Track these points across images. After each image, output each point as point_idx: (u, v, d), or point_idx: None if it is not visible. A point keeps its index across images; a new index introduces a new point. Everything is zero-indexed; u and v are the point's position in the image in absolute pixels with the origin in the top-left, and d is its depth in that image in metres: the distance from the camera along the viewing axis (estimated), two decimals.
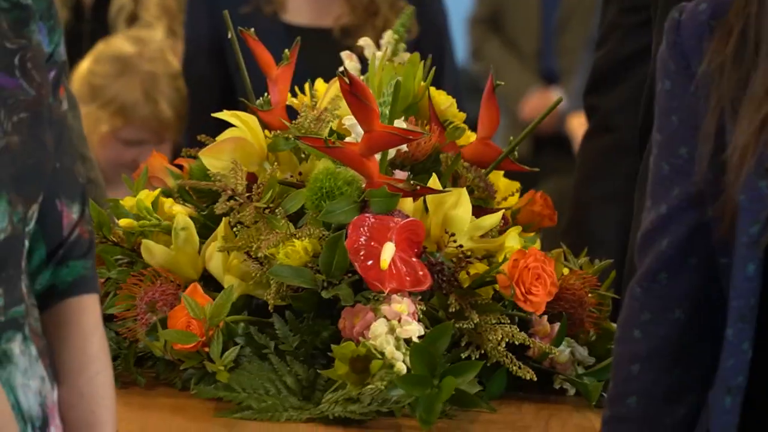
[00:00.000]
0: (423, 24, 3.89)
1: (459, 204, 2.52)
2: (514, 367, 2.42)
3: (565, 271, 2.60)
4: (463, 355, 2.44)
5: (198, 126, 3.17)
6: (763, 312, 1.92)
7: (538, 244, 2.66)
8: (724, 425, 1.94)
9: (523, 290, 2.45)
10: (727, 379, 1.93)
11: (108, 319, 2.47)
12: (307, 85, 2.82)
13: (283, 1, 3.91)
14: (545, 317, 2.54)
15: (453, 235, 2.49)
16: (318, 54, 2.95)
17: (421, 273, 2.43)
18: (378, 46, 3.19)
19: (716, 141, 1.95)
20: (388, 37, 2.82)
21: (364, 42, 2.85)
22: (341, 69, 2.66)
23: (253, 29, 3.05)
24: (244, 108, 2.80)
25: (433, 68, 2.84)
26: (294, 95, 2.82)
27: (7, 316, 2.03)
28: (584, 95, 3.65)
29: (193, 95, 3.99)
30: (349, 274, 2.45)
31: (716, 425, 1.96)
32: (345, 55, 2.85)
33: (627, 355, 2.07)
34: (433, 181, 2.54)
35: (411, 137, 2.55)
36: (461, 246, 2.50)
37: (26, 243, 2.06)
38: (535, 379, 2.44)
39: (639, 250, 2.07)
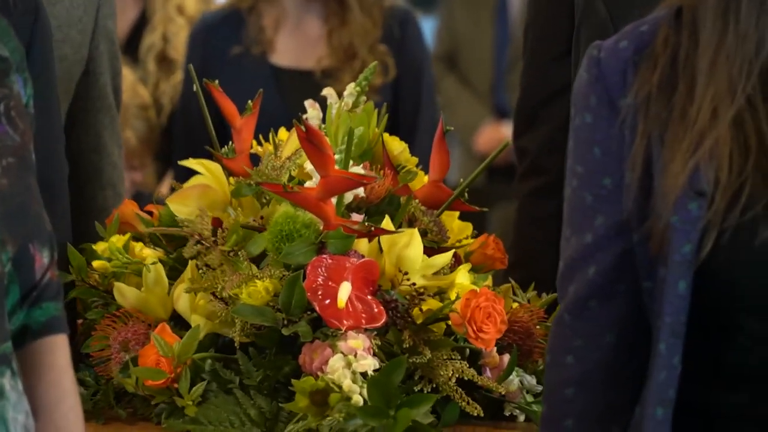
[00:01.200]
0: (403, 65, 3.93)
1: (411, 244, 2.54)
2: (464, 403, 2.46)
3: (515, 305, 2.62)
4: (416, 388, 2.46)
5: (182, 155, 3.15)
6: (693, 329, 1.94)
7: (489, 281, 2.69)
8: None
9: (474, 328, 2.47)
10: (660, 392, 1.94)
11: (85, 357, 2.53)
12: (271, 134, 2.84)
13: (270, 43, 3.92)
14: (495, 349, 2.55)
15: (406, 273, 2.52)
16: (299, 94, 2.93)
17: (376, 310, 2.46)
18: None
19: (643, 168, 1.97)
20: (349, 89, 2.81)
21: (327, 92, 2.85)
22: (303, 116, 2.72)
23: (237, 71, 3.11)
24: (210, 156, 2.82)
25: (386, 115, 2.84)
26: (265, 140, 2.86)
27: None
28: (513, 138, 3.58)
29: (184, 129, 3.96)
30: (308, 312, 2.46)
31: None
32: (308, 103, 2.86)
33: (561, 380, 2.08)
34: (386, 223, 2.57)
35: (365, 182, 2.57)
36: (414, 284, 2.52)
37: (5, 284, 2.07)
38: (483, 415, 2.47)
39: (563, 278, 2.09)
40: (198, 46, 4.08)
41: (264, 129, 2.87)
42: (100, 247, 2.66)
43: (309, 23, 3.94)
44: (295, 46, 3.91)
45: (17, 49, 2.18)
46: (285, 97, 2.83)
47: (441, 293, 2.56)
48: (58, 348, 2.19)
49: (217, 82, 3.43)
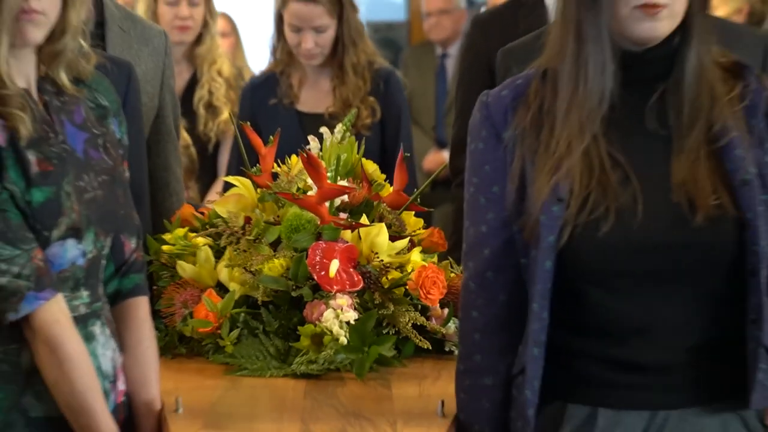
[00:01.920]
0: (387, 108, 3.84)
1: (380, 234, 2.56)
2: (417, 340, 2.47)
3: (452, 275, 2.61)
4: (384, 332, 2.47)
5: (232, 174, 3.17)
6: (556, 294, 1.96)
7: (435, 259, 2.66)
8: (535, 366, 1.96)
9: (424, 291, 2.50)
10: (534, 337, 1.95)
11: (157, 312, 2.55)
12: (286, 158, 2.83)
13: (296, 96, 3.86)
14: (438, 305, 2.55)
15: (377, 254, 2.55)
16: (314, 131, 2.92)
17: (356, 278, 2.48)
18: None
19: (520, 181, 1.98)
20: (338, 128, 2.82)
21: (323, 130, 2.84)
22: (307, 147, 2.74)
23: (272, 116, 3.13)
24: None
25: (363, 146, 2.84)
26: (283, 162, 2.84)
27: (91, 309, 2.07)
28: (449, 161, 3.53)
29: (236, 156, 3.90)
30: (310, 280, 2.47)
31: (530, 366, 1.97)
32: (310, 138, 2.85)
33: (470, 328, 2.08)
34: (363, 219, 2.60)
35: (348, 191, 2.60)
36: (382, 261, 2.55)
37: (103, 262, 2.10)
38: (430, 348, 2.48)
39: (466, 256, 2.09)
40: (247, 99, 4.03)
41: (291, 153, 2.85)
42: (168, 237, 2.66)
43: (321, 82, 3.89)
44: (312, 97, 3.86)
45: (114, 101, 2.19)
46: (304, 132, 2.83)
47: (401, 267, 2.56)
48: (140, 306, 2.21)
49: (255, 123, 3.51)
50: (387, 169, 2.91)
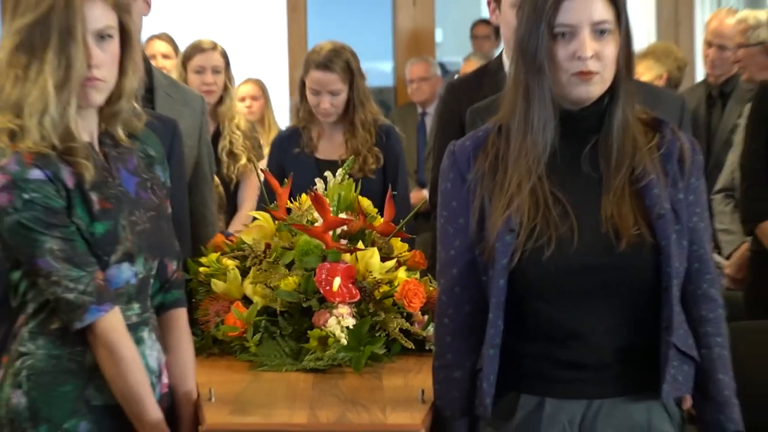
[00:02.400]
0: (387, 155, 3.81)
1: (373, 256, 2.55)
2: (403, 341, 2.45)
3: (430, 288, 2.57)
4: (376, 335, 2.44)
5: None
6: (509, 305, 1.96)
7: (417, 275, 2.64)
8: (491, 364, 1.95)
9: (408, 301, 2.48)
10: (490, 340, 1.95)
11: (195, 321, 2.53)
12: (297, 197, 2.79)
13: (315, 146, 3.82)
14: (420, 312, 2.53)
15: (370, 272, 2.53)
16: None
17: (354, 292, 2.46)
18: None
19: (480, 214, 1.98)
20: (339, 171, 2.81)
21: (327, 174, 2.84)
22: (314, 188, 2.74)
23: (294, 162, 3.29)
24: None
25: (359, 186, 2.83)
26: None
27: (141, 318, 2.07)
28: (429, 198, 3.57)
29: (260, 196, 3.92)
30: (317, 293, 2.45)
31: (486, 364, 1.97)
32: (317, 180, 2.83)
33: (443, 332, 2.07)
34: (359, 245, 2.57)
35: (346, 222, 2.59)
36: (375, 277, 2.52)
37: (151, 281, 2.09)
38: (414, 348, 2.46)
39: (438, 275, 2.09)
40: (276, 148, 3.98)
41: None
42: (204, 260, 2.65)
43: (335, 136, 3.85)
44: (327, 147, 3.81)
45: (160, 151, 2.18)
46: (321, 175, 2.82)
47: (390, 282, 2.54)
48: (180, 315, 2.19)
49: (282, 167, 3.62)
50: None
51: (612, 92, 1.98)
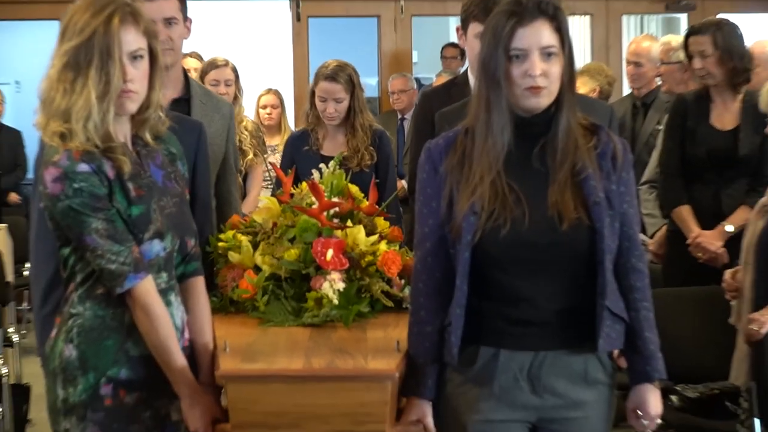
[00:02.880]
0: (380, 155, 3.77)
1: (359, 232, 2.47)
2: (384, 301, 2.39)
3: (407, 258, 2.50)
4: (362, 295, 2.38)
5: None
6: (472, 273, 1.94)
7: (396, 247, 2.56)
8: (457, 321, 1.95)
9: (387, 268, 2.42)
10: (457, 301, 1.95)
11: (215, 285, 2.47)
12: (300, 184, 2.72)
13: (321, 144, 3.79)
14: (397, 277, 2.46)
15: (357, 245, 2.45)
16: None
17: (344, 261, 2.38)
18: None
19: (449, 199, 1.96)
20: (331, 164, 2.75)
21: (322, 166, 2.78)
22: (311, 178, 2.67)
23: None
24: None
25: (350, 175, 2.76)
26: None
27: (168, 285, 2.04)
28: (408, 184, 3.50)
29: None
30: (314, 263, 2.38)
31: (454, 321, 1.96)
32: (313, 171, 2.77)
33: (417, 294, 2.05)
34: (348, 223, 2.51)
35: (338, 205, 2.52)
36: (361, 249, 2.45)
37: (175, 254, 2.09)
38: (393, 306, 2.39)
39: (415, 247, 2.07)
40: (289, 146, 3.93)
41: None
42: (222, 236, 2.56)
43: (338, 136, 3.81)
44: (331, 146, 3.76)
45: (179, 149, 2.15)
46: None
47: (373, 253, 2.46)
48: (198, 282, 2.17)
49: (293, 161, 3.68)
50: (380, 191, 2.87)
51: (558, 102, 1.97)
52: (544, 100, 1.94)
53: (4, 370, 3.69)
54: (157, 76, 2.01)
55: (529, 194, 1.94)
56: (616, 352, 2.05)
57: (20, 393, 4.26)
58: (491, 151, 1.95)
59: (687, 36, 3.73)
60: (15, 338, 4.39)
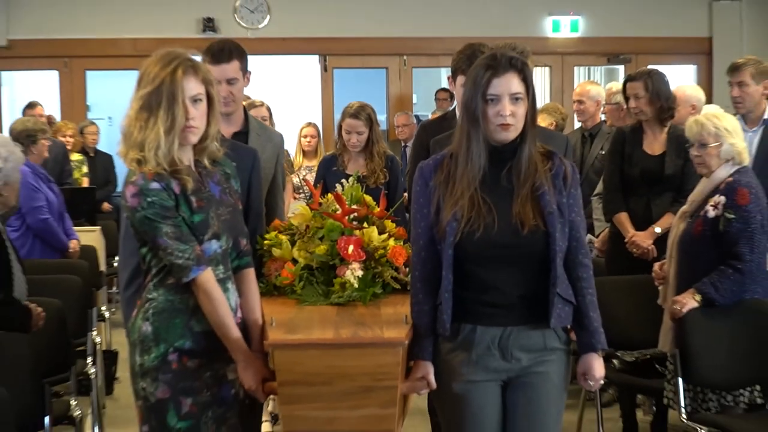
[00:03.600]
0: (390, 175, 3.72)
1: (373, 231, 2.43)
2: (393, 285, 2.35)
3: (410, 252, 2.42)
4: (376, 280, 2.33)
5: None
6: (455, 266, 1.93)
7: (401, 243, 2.48)
8: (446, 303, 1.91)
9: (395, 258, 2.37)
10: (445, 288, 1.91)
11: (263, 275, 2.41)
12: (326, 195, 2.65)
13: (345, 166, 3.72)
14: (403, 265, 2.39)
15: (372, 241, 2.41)
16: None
17: (362, 253, 2.34)
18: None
19: (436, 208, 1.93)
20: (351, 179, 2.70)
21: (344, 182, 2.73)
22: (336, 190, 2.63)
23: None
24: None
25: (364, 188, 2.72)
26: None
27: (225, 275, 2.00)
28: (408, 197, 3.42)
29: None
30: (339, 256, 2.34)
31: (444, 303, 1.93)
32: (337, 185, 2.74)
33: (414, 281, 2.01)
34: (365, 225, 2.47)
35: (356, 211, 2.49)
36: (374, 245, 2.40)
37: (230, 251, 2.04)
38: (400, 287, 2.34)
39: (411, 244, 2.04)
40: (322, 167, 3.88)
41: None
42: (267, 236, 2.50)
43: (360, 160, 3.73)
44: (354, 167, 3.67)
45: (233, 170, 2.11)
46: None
47: (384, 247, 2.41)
48: (249, 273, 2.12)
49: (324, 179, 3.58)
50: (388, 202, 2.83)
51: (522, 135, 1.94)
52: (512, 134, 1.93)
53: (98, 339, 3.65)
54: (213, 115, 1.98)
55: (498, 206, 1.92)
56: (568, 327, 2.03)
57: (110, 357, 4.28)
58: (470, 173, 1.93)
59: (625, 82, 3.70)
60: (106, 314, 4.37)
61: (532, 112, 1.94)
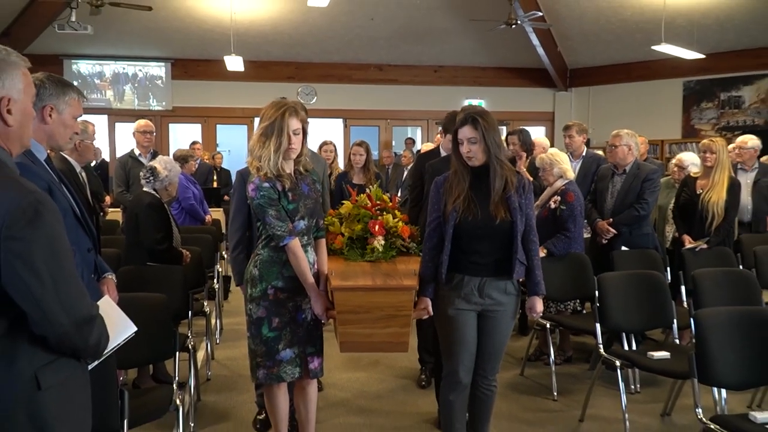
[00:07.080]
0: (378, 183, 3.41)
1: (389, 217, 2.14)
2: (402, 249, 2.09)
3: (413, 228, 2.16)
4: (392, 247, 2.08)
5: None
6: (453, 239, 1.66)
7: (408, 226, 2.21)
8: (445, 262, 1.72)
9: (403, 234, 2.10)
10: (445, 252, 1.72)
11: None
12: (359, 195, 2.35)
13: (352, 177, 3.44)
14: (408, 239, 2.13)
15: (388, 222, 2.13)
16: (358, 191, 2.52)
17: (383, 230, 2.08)
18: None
19: (444, 204, 1.71)
20: (374, 187, 2.39)
21: (369, 189, 2.42)
22: (365, 193, 2.34)
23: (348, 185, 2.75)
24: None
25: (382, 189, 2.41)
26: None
27: (308, 242, 1.75)
28: (406, 198, 2.87)
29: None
30: (369, 232, 2.08)
31: (444, 262, 1.73)
32: (367, 189, 2.43)
33: (426, 249, 1.79)
34: (384, 213, 2.19)
35: (379, 204, 2.21)
36: (390, 225, 2.12)
37: (312, 227, 1.82)
38: (405, 251, 2.09)
39: (426, 226, 1.78)
40: (339, 178, 3.59)
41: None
42: (327, 219, 2.19)
43: (360, 174, 3.49)
44: (357, 178, 3.45)
45: (318, 177, 1.91)
46: (353, 189, 2.49)
47: (396, 226, 2.13)
48: (323, 242, 1.88)
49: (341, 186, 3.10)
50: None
51: (490, 162, 1.73)
52: (476, 162, 1.74)
53: (219, 269, 3.68)
54: (305, 142, 1.81)
55: (481, 203, 1.74)
56: (522, 279, 1.83)
57: (226, 280, 4.29)
58: (461, 185, 1.76)
59: (507, 135, 3.55)
60: (225, 255, 4.37)
61: (493, 147, 1.72)
